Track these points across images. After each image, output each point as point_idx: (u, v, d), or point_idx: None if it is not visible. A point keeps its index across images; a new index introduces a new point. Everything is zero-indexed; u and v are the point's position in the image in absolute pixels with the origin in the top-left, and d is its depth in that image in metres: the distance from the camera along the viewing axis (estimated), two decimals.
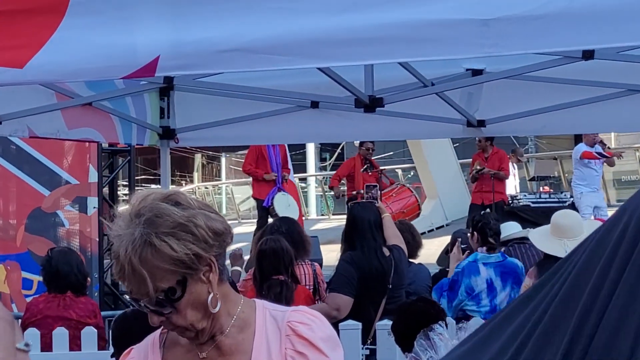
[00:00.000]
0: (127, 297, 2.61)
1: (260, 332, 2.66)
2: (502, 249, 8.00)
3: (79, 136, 6.61)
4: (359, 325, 6.39)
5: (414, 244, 7.80)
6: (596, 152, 15.19)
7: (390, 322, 5.70)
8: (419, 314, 5.37)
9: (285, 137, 7.85)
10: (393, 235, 7.08)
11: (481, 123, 6.74)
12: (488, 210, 14.18)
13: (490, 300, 7.31)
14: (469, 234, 7.87)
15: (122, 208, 2.64)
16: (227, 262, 6.93)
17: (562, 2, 3.24)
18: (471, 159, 16.24)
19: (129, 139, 6.93)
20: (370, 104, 5.54)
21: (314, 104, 6.66)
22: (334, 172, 31.71)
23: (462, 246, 7.94)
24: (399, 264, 6.92)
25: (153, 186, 33.41)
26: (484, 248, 7.50)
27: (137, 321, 5.20)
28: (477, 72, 6.10)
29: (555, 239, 6.42)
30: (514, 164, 17.83)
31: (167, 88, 6.80)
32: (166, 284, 2.48)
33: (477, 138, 14.31)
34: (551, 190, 16.39)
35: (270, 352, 2.65)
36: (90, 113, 6.47)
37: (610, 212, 15.80)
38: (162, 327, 2.71)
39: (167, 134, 7.02)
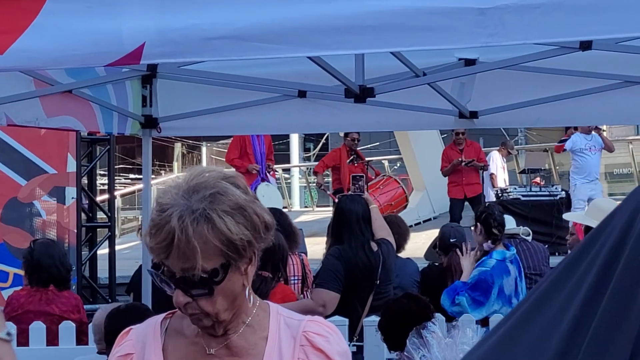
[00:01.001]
0: (151, 269, 2.51)
1: (274, 338, 2.58)
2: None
3: (58, 124, 6.44)
4: (346, 321, 6.32)
5: (401, 239, 7.69)
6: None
7: (378, 319, 5.62)
8: (405, 311, 5.30)
9: (271, 127, 7.69)
10: (381, 228, 6.97)
11: (473, 114, 6.60)
12: (472, 215, 14.10)
13: (517, 298, 7.20)
14: (472, 227, 7.69)
15: (173, 178, 2.59)
16: None
17: None
18: (442, 154, 16.09)
19: (109, 128, 6.76)
20: (361, 94, 5.40)
21: (302, 94, 6.52)
22: (318, 162, 31.73)
23: (452, 240, 7.82)
24: (387, 259, 6.82)
25: (132, 176, 33.31)
26: (489, 241, 7.31)
27: (132, 316, 5.10)
28: (470, 62, 5.97)
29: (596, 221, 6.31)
30: (504, 157, 17.73)
31: (149, 76, 6.64)
32: (210, 264, 2.42)
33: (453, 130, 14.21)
34: (542, 182, 16.32)
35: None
36: (70, 101, 6.31)
37: None
38: (166, 313, 2.66)
39: (150, 122, 6.85)
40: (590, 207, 6.62)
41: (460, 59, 6.04)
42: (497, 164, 17.45)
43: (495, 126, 7.33)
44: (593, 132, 15.08)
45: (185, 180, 2.48)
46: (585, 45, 4.89)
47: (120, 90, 6.64)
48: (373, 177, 15.81)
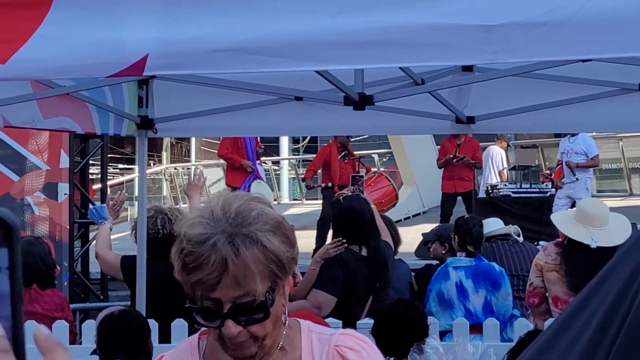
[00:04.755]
0: (189, 303, 2.39)
1: (307, 358, 2.50)
2: (484, 247, 7.93)
3: (55, 126, 6.43)
4: (339, 323, 6.31)
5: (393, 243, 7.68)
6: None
7: (371, 321, 5.63)
8: (399, 317, 5.31)
9: (267, 129, 7.68)
10: (379, 228, 6.98)
11: (470, 119, 6.61)
12: (463, 210, 14.08)
13: (463, 305, 7.23)
14: (452, 234, 7.78)
15: (201, 205, 2.48)
16: None
17: (568, 10, 3.15)
18: (440, 145, 16.13)
19: (106, 129, 6.75)
20: (360, 102, 5.41)
21: (298, 97, 6.52)
22: (307, 155, 31.66)
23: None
24: (387, 261, 6.83)
25: (120, 166, 33.16)
26: (463, 253, 7.43)
27: (124, 324, 5.12)
28: (467, 67, 5.98)
29: (582, 226, 6.37)
30: (504, 150, 17.67)
31: (146, 77, 6.62)
32: (264, 287, 2.33)
33: None
34: (551, 176, 16.22)
35: None
36: (66, 102, 6.30)
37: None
38: (197, 334, 2.56)
39: (145, 123, 6.83)
40: (577, 211, 6.66)
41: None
42: (502, 157, 17.44)
43: (492, 131, 7.38)
44: (578, 136, 15.08)
45: (214, 208, 2.38)
46: (586, 58, 4.89)
47: (116, 91, 6.63)
48: (364, 173, 15.80)
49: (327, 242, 6.96)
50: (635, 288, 1.32)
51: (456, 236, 7.59)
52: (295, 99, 6.53)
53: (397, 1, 3.32)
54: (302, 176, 17.08)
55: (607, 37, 3.23)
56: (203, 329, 2.47)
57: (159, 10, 3.50)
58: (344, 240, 6.63)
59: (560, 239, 6.83)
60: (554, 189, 15.65)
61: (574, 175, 15.26)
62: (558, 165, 15.94)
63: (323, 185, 14.85)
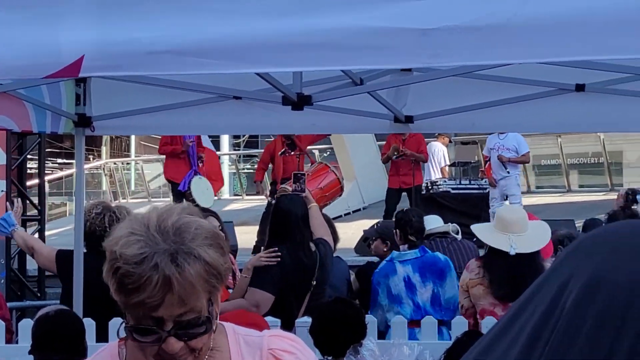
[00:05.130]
0: (128, 326, 2.30)
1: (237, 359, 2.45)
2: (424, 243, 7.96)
3: None
4: (278, 322, 6.32)
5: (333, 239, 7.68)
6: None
7: (310, 320, 5.63)
8: (337, 316, 5.32)
9: (206, 127, 7.66)
10: (319, 226, 7.00)
11: (409, 119, 6.66)
12: (408, 206, 14.14)
13: (412, 300, 7.25)
14: (394, 230, 7.79)
15: (121, 227, 2.32)
16: None
17: (503, 15, 3.17)
18: (386, 140, 16.18)
19: (43, 127, 6.70)
20: (299, 102, 5.43)
21: (237, 97, 6.51)
22: (248, 150, 31.68)
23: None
24: (324, 259, 6.85)
25: (59, 160, 32.89)
26: (406, 245, 7.44)
27: (60, 324, 5.08)
28: (405, 68, 6.01)
29: (501, 234, 6.41)
30: (445, 146, 17.76)
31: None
32: (205, 302, 2.28)
33: None
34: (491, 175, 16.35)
35: None
36: (3, 100, 6.23)
37: (527, 200, 15.95)
38: (117, 342, 2.45)
39: (83, 121, 6.77)
40: (496, 218, 6.70)
41: None
42: (444, 153, 17.54)
43: (431, 131, 7.41)
44: (509, 133, 15.14)
45: (149, 224, 2.28)
46: (521, 62, 4.95)
47: (54, 89, 6.56)
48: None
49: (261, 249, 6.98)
50: (563, 302, 1.32)
51: (397, 230, 7.58)
52: (234, 98, 6.52)
53: (335, 4, 3.33)
54: (254, 179, 16.92)
55: (541, 42, 3.26)
56: (123, 335, 2.37)
57: (95, 12, 3.47)
58: (279, 253, 6.67)
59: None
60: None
61: (506, 168, 15.40)
62: (487, 161, 16.03)
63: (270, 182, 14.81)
